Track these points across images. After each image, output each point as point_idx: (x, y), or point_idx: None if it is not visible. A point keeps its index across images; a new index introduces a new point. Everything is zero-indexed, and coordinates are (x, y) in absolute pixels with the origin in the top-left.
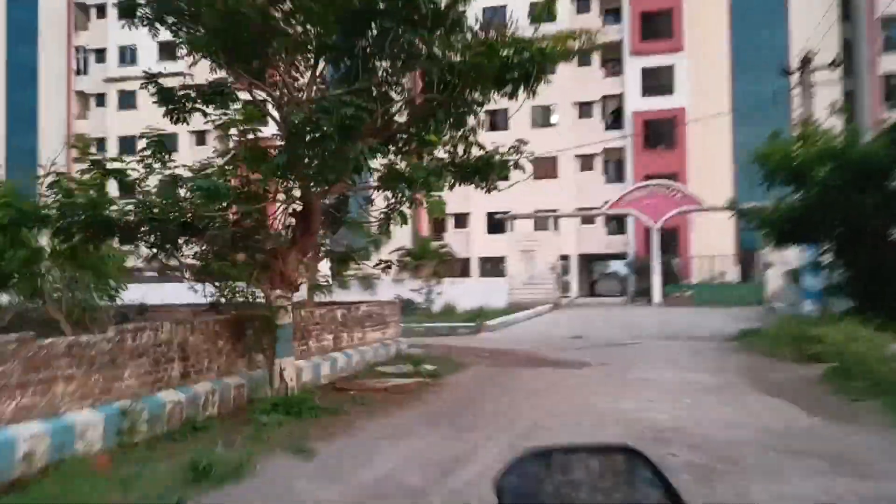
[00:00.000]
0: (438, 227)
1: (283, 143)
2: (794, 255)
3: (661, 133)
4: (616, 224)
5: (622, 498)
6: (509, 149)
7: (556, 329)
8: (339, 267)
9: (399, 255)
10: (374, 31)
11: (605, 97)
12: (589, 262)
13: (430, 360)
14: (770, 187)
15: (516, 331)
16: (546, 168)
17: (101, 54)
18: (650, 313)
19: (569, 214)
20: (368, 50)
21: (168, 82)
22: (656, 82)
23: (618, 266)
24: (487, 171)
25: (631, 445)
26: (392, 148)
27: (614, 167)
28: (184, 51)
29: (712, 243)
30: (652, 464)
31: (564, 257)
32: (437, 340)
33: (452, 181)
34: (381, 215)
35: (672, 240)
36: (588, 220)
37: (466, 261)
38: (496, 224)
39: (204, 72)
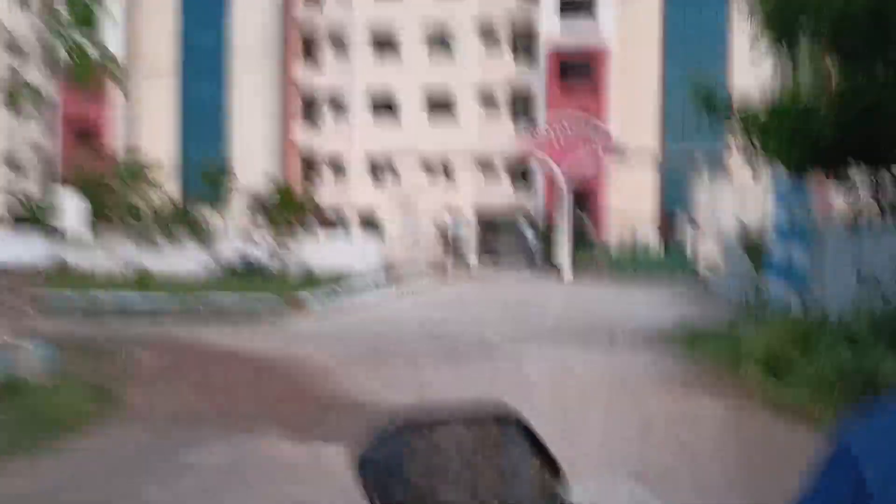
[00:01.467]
0: (309, 170)
1: None
2: (732, 211)
3: (579, 67)
4: (522, 177)
5: (497, 464)
6: None
7: (422, 317)
8: None
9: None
10: None
11: (514, 21)
12: (490, 223)
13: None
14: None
15: (363, 317)
16: (442, 105)
17: None
18: (557, 291)
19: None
20: None
21: None
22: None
23: (524, 229)
24: None
25: (507, 410)
26: None
27: (524, 106)
28: None
29: (632, 203)
30: (527, 428)
31: (456, 214)
32: (208, 337)
33: None
34: None
35: (585, 198)
36: (489, 170)
37: (343, 216)
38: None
39: None
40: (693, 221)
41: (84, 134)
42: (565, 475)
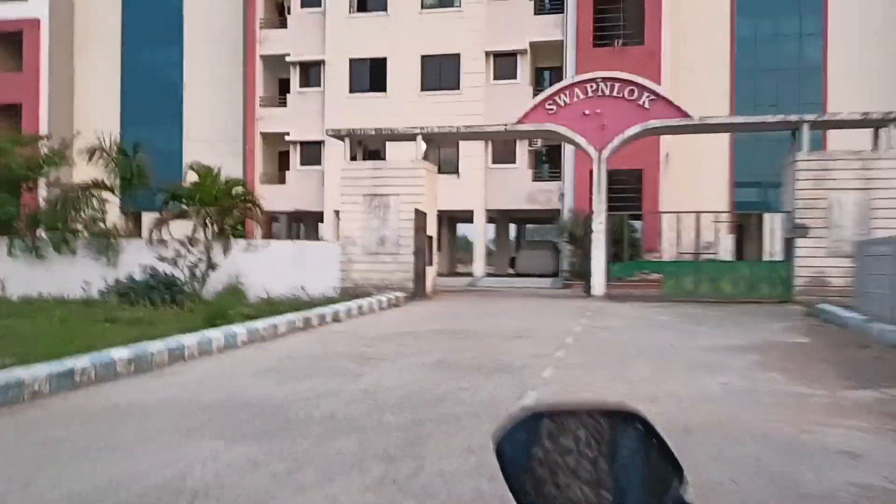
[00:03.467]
0: (283, 160)
1: None
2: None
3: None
4: (550, 164)
5: (622, 461)
6: None
7: (346, 353)
8: None
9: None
10: None
11: None
12: (510, 223)
13: None
14: None
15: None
16: (443, 71)
17: None
18: (578, 315)
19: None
20: None
21: None
22: None
23: (550, 234)
24: None
25: (631, 408)
26: None
27: (550, 75)
28: None
29: (695, 197)
30: (651, 426)
31: (453, 213)
32: None
33: None
34: None
35: (632, 188)
36: (505, 156)
37: (319, 214)
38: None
39: None
40: (795, 221)
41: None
42: (685, 474)
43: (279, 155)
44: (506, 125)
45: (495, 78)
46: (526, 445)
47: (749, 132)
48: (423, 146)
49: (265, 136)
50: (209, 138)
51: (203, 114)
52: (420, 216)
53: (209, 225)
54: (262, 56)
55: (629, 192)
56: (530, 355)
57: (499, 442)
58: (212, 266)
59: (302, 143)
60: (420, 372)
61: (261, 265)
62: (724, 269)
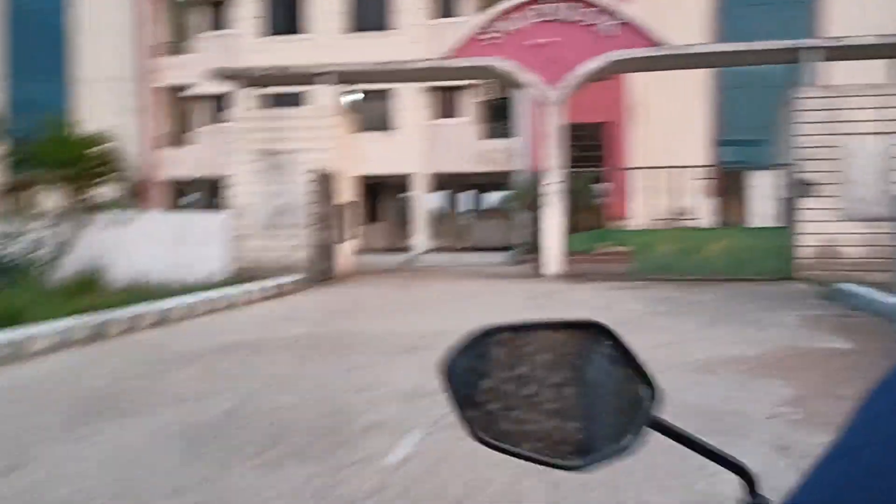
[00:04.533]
0: (179, 115)
1: None
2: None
3: None
4: (503, 118)
5: (583, 369)
6: None
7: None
8: None
9: None
10: None
11: None
12: (466, 189)
13: None
14: None
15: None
16: (373, 6)
17: None
18: (517, 304)
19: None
20: None
21: None
22: None
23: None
24: None
25: (595, 320)
26: None
27: None
28: None
29: (670, 157)
30: (616, 338)
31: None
32: None
33: None
34: None
35: (594, 145)
36: (449, 110)
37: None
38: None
39: None
40: (796, 176)
41: None
42: (658, 388)
43: (186, 113)
44: (434, 60)
45: (440, 15)
46: (476, 373)
47: (737, 65)
48: (342, 95)
49: (167, 89)
50: (104, 96)
51: (96, 66)
52: (326, 179)
53: (68, 193)
54: None
55: (590, 149)
56: (402, 396)
57: (446, 372)
58: (62, 244)
59: (211, 98)
60: (135, 457)
61: (132, 242)
62: (706, 238)
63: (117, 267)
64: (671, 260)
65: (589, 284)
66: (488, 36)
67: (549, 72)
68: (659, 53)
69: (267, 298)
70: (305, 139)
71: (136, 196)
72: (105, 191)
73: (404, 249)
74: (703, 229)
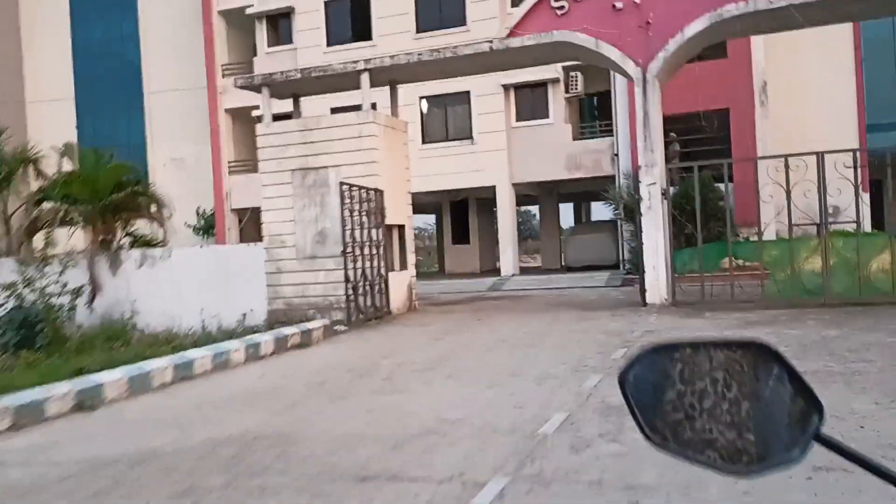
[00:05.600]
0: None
1: None
2: None
3: None
4: (599, 114)
5: (750, 387)
6: None
7: None
8: None
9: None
10: None
11: None
12: (562, 201)
13: None
14: None
15: None
16: (444, 4)
17: None
18: (602, 357)
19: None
20: None
21: None
22: None
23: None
24: None
25: (761, 340)
26: None
27: None
28: None
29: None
30: (782, 359)
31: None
32: None
33: None
34: None
35: (712, 138)
36: (534, 110)
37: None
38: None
39: None
40: None
41: None
42: (822, 407)
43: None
44: (491, 42)
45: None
46: (655, 386)
47: (887, 14)
48: (383, 97)
49: (232, 112)
50: (174, 124)
51: (165, 94)
52: (374, 197)
53: (97, 230)
54: (221, 12)
55: (708, 143)
56: None
57: (623, 384)
58: (96, 289)
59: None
60: None
61: (164, 283)
62: (871, 247)
63: (148, 312)
64: (821, 279)
65: (704, 319)
66: (558, 3)
67: (637, 43)
68: (784, 4)
69: (280, 351)
70: (347, 152)
71: (210, 228)
72: (140, 225)
73: (496, 272)
74: (865, 235)
